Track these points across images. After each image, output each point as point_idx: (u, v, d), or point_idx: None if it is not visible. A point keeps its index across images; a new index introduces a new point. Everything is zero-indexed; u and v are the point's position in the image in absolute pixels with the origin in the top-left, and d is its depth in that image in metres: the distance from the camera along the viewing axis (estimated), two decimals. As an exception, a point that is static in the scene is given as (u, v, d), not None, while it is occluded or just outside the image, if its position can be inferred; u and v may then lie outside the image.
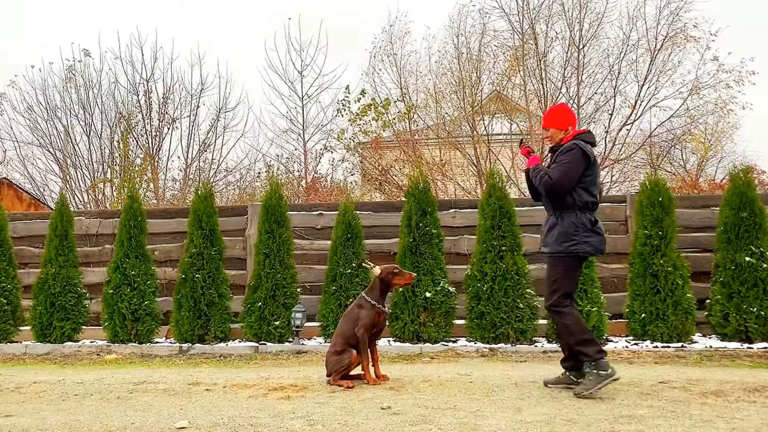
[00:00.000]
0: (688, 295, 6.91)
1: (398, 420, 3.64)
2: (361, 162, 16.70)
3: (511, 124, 15.96)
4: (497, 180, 7.36)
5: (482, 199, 7.44)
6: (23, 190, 14.37)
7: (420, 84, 16.15)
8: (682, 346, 6.62)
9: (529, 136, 14.18)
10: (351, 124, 16.04)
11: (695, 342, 6.84)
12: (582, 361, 4.25)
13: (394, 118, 15.82)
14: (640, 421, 3.54)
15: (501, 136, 16.05)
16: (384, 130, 15.93)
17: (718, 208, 7.38)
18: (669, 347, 6.58)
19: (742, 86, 14.87)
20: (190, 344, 7.24)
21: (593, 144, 4.53)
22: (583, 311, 6.81)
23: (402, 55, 16.06)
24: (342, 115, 16.07)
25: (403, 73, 15.96)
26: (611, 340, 7.02)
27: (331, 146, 16.43)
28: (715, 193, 11.08)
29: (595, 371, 4.16)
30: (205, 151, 16.08)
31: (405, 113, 15.63)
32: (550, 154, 4.69)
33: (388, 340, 7.09)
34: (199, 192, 7.80)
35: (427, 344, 6.91)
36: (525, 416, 3.70)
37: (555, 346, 6.77)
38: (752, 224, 6.92)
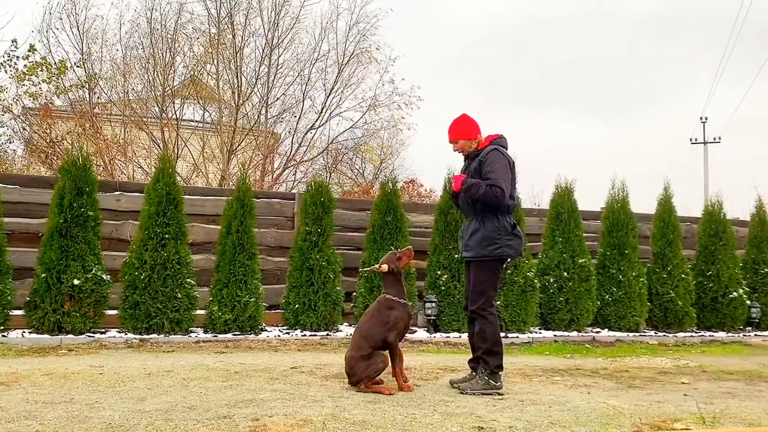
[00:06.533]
0: (338, 288, 7.62)
1: (-7, 419, 3.23)
2: (24, 129, 14.61)
3: (204, 112, 15.71)
4: (167, 165, 7.13)
5: (149, 183, 7.13)
6: None
7: (106, 53, 14.84)
8: (328, 335, 7.27)
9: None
10: (17, 83, 13.94)
11: (340, 330, 7.57)
12: (480, 365, 4.30)
13: (71, 85, 14.21)
14: (258, 405, 3.75)
15: (192, 123, 15.68)
16: (58, 97, 14.20)
17: (370, 212, 8.30)
18: (316, 335, 7.16)
19: (411, 109, 17.13)
20: None
21: (506, 148, 4.49)
22: (241, 302, 7.00)
23: (87, 18, 14.56)
24: (5, 71, 13.88)
25: (86, 38, 14.49)
26: (266, 330, 7.34)
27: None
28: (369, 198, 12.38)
29: (486, 378, 4.24)
30: None
31: (85, 81, 14.16)
32: (465, 162, 4.55)
33: (23, 332, 6.32)
34: None
35: (70, 336, 6.34)
36: (146, 406, 3.62)
37: (210, 336, 6.82)
38: (395, 228, 7.95)
